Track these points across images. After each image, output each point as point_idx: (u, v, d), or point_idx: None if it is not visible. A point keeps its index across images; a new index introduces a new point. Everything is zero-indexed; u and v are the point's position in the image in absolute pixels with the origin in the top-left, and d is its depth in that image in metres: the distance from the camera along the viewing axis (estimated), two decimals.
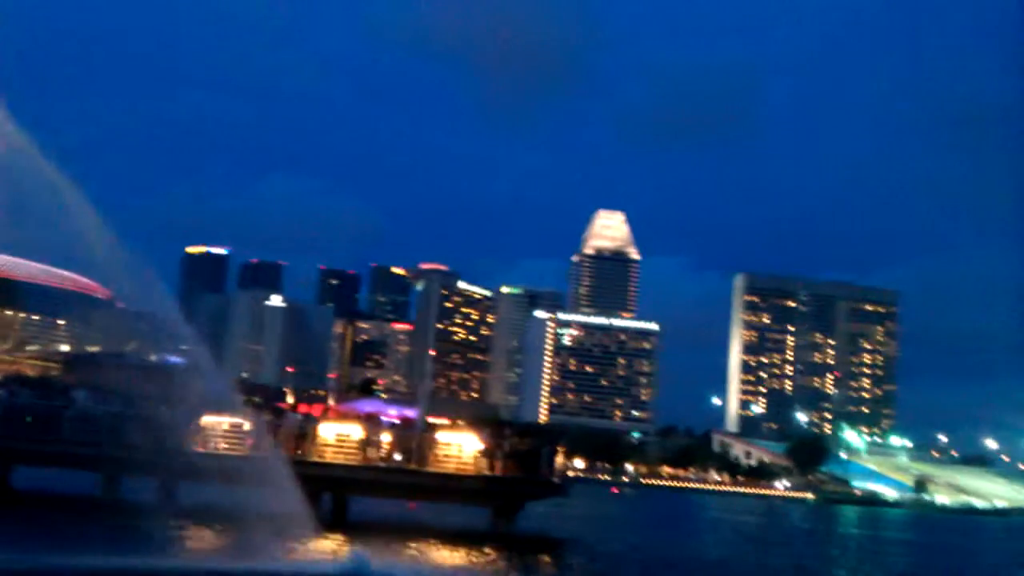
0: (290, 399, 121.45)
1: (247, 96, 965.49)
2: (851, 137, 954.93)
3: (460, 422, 74.09)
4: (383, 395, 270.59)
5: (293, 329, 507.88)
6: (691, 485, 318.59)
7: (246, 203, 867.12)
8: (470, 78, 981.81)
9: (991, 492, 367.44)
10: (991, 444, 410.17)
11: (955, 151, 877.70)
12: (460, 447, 57.29)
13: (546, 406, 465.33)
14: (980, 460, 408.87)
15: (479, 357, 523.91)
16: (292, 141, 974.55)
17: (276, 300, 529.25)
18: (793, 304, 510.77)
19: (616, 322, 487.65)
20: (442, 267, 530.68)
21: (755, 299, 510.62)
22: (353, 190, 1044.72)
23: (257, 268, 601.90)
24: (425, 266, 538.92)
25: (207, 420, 53.46)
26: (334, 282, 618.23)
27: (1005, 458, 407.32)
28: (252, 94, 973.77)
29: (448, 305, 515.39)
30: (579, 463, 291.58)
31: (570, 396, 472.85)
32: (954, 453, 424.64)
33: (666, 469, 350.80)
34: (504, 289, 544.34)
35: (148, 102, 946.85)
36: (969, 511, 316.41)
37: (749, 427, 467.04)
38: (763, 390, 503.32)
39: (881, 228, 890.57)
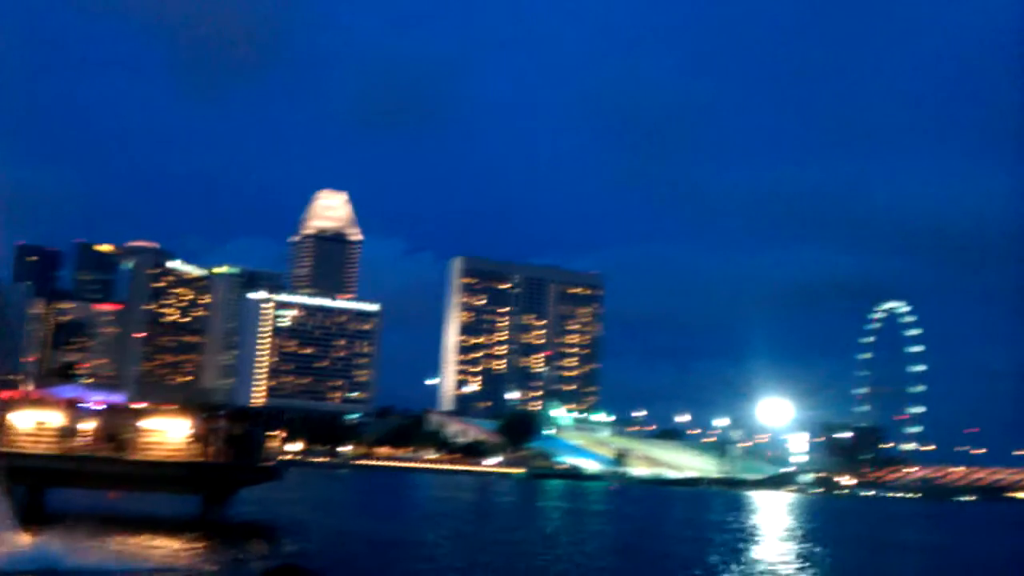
0: None
1: None
2: (557, 130, 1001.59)
3: (170, 407, 72.47)
4: (88, 379, 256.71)
5: None
6: (407, 464, 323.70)
7: None
8: (186, 51, 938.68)
9: (682, 463, 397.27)
10: (683, 418, 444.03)
11: (649, 149, 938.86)
12: (169, 433, 56.49)
13: (264, 389, 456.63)
14: (673, 434, 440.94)
15: (193, 339, 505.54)
16: None
17: None
18: (507, 287, 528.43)
19: (335, 303, 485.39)
20: (152, 245, 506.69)
21: (472, 281, 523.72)
22: (54, 161, 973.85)
23: None
24: (134, 244, 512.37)
25: None
26: (33, 259, 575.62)
27: (695, 431, 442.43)
28: None
29: (159, 285, 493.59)
30: (297, 446, 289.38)
31: (288, 378, 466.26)
32: (651, 428, 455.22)
33: (383, 449, 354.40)
34: (220, 269, 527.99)
35: None
36: (661, 481, 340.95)
37: (464, 406, 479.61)
38: (478, 369, 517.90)
39: (584, 216, 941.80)
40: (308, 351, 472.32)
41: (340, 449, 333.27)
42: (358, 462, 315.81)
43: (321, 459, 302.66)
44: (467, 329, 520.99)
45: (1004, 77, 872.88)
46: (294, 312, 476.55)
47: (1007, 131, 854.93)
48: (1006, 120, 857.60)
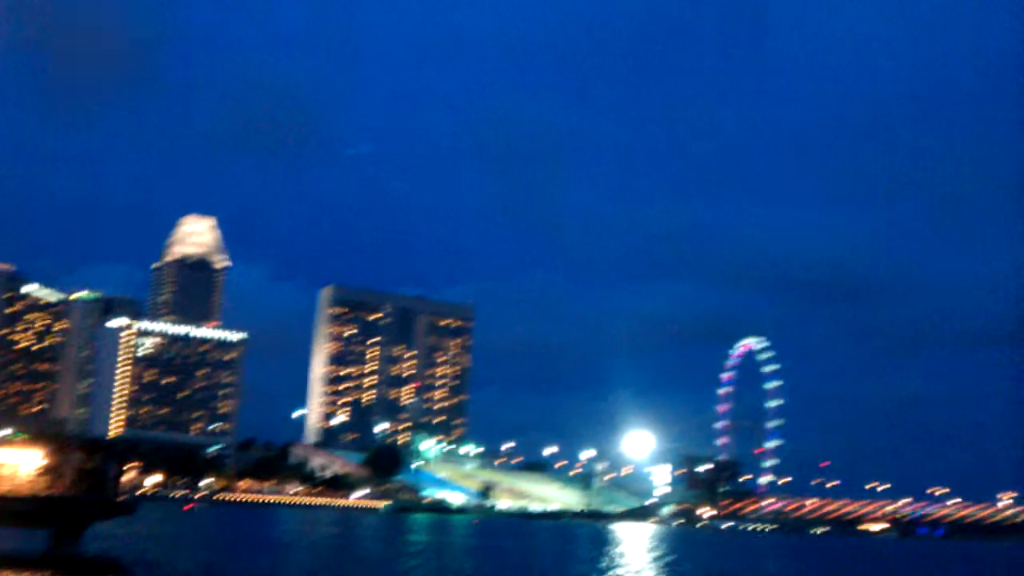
0: None
1: None
2: (429, 159, 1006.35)
3: (20, 438, 70.29)
4: None
5: None
6: (268, 499, 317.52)
7: None
8: (48, 68, 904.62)
9: (548, 496, 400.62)
10: (551, 450, 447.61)
11: (522, 181, 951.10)
12: (16, 466, 54.93)
13: (122, 420, 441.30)
14: (540, 466, 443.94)
15: (46, 367, 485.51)
16: None
17: None
18: (377, 317, 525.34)
19: (199, 332, 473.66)
20: (5, 267, 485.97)
21: (341, 311, 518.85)
22: None
23: None
24: None
25: None
26: None
27: (562, 463, 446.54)
28: None
29: (12, 310, 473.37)
30: (155, 479, 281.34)
31: (147, 409, 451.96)
32: (518, 460, 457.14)
33: (245, 483, 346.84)
34: (78, 294, 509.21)
35: None
36: (525, 515, 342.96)
37: (331, 438, 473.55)
38: (346, 401, 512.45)
39: (456, 247, 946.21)
40: (169, 380, 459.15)
41: (200, 483, 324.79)
42: (219, 496, 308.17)
43: (180, 492, 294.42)
44: (335, 360, 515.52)
45: (862, 128, 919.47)
46: (155, 340, 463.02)
47: (862, 180, 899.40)
48: (861, 171, 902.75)
